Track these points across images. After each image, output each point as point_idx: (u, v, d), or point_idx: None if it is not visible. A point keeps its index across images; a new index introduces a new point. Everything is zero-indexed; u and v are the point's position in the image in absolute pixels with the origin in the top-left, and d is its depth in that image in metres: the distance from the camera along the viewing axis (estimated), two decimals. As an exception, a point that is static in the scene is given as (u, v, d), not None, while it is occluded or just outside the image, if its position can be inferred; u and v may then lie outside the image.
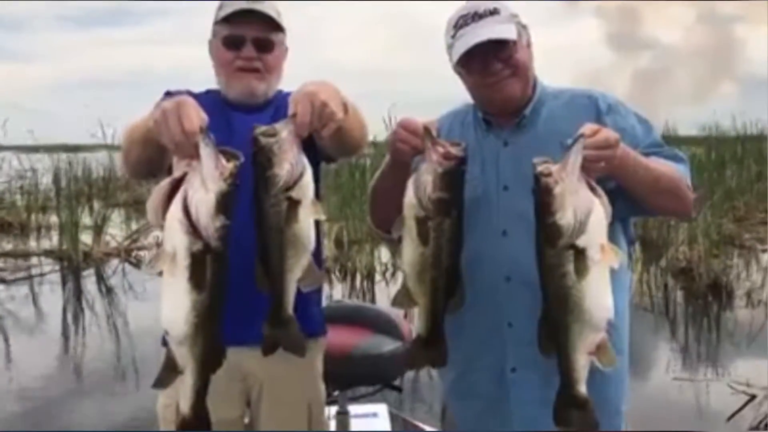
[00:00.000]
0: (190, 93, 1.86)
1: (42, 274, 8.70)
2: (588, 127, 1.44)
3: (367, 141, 1.82)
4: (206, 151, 1.35)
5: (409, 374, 2.83)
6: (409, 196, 1.49)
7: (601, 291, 1.42)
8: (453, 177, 1.47)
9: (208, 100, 1.83)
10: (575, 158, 1.38)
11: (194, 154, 1.36)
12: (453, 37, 1.65)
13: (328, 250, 8.78)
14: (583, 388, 1.45)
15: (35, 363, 5.38)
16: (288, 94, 1.88)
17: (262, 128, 1.41)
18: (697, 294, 7.14)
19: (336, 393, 2.56)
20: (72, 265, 8.90)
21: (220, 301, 1.40)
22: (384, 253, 8.43)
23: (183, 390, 1.43)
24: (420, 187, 1.47)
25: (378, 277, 8.10)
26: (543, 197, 1.40)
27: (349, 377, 2.45)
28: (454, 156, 1.46)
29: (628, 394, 1.76)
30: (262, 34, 1.85)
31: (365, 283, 7.95)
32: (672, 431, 3.62)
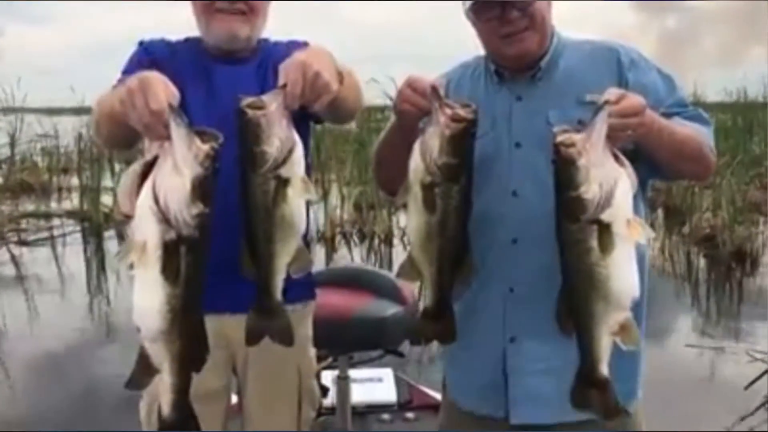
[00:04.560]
0: (166, 42, 1.78)
1: (64, 235, 8.82)
2: (613, 93, 1.34)
3: (361, 107, 1.72)
4: (178, 132, 1.24)
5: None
6: (415, 161, 1.40)
7: (627, 268, 1.34)
8: (462, 141, 1.37)
9: (186, 49, 1.76)
10: (600, 127, 1.29)
11: (166, 135, 1.26)
12: None
13: (347, 213, 8.80)
14: (604, 370, 1.37)
15: (58, 323, 5.45)
16: (275, 44, 1.79)
17: (249, 100, 1.31)
18: (721, 261, 7.04)
19: (335, 359, 2.52)
20: (93, 226, 8.98)
21: (197, 294, 1.31)
22: (402, 218, 8.41)
23: (162, 391, 1.35)
24: (426, 152, 1.38)
25: (396, 241, 8.10)
26: (565, 169, 1.31)
27: (350, 342, 2.40)
28: (463, 118, 1.37)
29: (642, 370, 1.69)
30: None
31: (383, 247, 7.96)
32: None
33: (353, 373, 2.63)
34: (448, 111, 1.37)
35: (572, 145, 1.30)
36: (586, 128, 1.32)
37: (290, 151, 1.33)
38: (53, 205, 10.73)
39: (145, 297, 1.29)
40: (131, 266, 1.28)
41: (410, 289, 2.45)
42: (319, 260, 7.17)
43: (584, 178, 1.30)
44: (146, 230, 1.26)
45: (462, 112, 1.37)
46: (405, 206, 1.47)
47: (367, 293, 2.44)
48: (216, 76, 1.71)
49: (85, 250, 8.20)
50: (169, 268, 1.26)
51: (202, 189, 1.25)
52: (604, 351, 1.37)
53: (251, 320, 1.44)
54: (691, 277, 6.86)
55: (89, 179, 9.68)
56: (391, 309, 2.35)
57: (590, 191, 1.30)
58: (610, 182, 1.30)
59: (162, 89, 1.29)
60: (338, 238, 8.23)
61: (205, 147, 1.25)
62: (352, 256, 7.49)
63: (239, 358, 1.81)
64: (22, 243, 8.48)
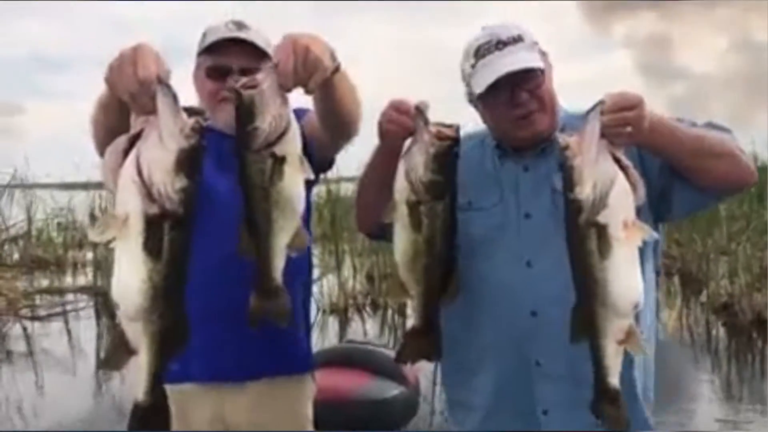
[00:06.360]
0: None
1: (77, 310, 8.79)
2: (608, 95, 1.34)
3: (360, 116, 1.65)
4: (164, 103, 1.21)
5: (413, 422, 2.72)
6: (400, 180, 1.41)
7: (627, 272, 1.31)
8: (446, 158, 1.39)
9: None
10: (593, 125, 1.30)
11: (151, 108, 1.23)
12: (473, 66, 1.56)
13: (360, 284, 8.76)
14: (613, 381, 1.35)
15: (70, 399, 5.38)
16: None
17: (243, 80, 1.33)
18: (740, 330, 6.91)
19: None
20: (106, 300, 8.97)
21: (181, 273, 1.26)
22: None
23: (138, 373, 1.29)
24: (411, 170, 1.39)
25: (409, 311, 8.00)
26: (564, 172, 1.32)
27: (350, 422, 2.37)
28: (448, 136, 1.39)
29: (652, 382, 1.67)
30: (250, 63, 1.70)
31: (396, 318, 7.88)
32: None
33: None
34: (433, 129, 1.39)
35: (567, 147, 1.31)
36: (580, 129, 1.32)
37: (285, 129, 1.31)
38: (68, 280, 10.76)
39: (126, 273, 1.24)
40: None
41: (413, 369, 2.42)
42: (332, 333, 7.11)
43: (578, 179, 1.30)
44: (128, 203, 1.21)
45: (445, 131, 1.40)
46: (390, 228, 1.46)
47: (370, 373, 2.42)
48: (223, 145, 1.76)
49: (98, 325, 8.16)
50: (151, 243, 1.21)
51: (186, 162, 1.21)
52: (611, 360, 1.34)
53: (252, 303, 1.40)
54: (710, 345, 6.72)
55: (103, 254, 9.73)
56: (392, 389, 2.34)
57: (584, 192, 1.29)
58: (604, 182, 1.29)
59: (153, 60, 1.25)
60: (351, 309, 8.17)
61: (191, 120, 1.22)
62: (365, 330, 7.41)
63: None
64: (36, 318, 8.47)
